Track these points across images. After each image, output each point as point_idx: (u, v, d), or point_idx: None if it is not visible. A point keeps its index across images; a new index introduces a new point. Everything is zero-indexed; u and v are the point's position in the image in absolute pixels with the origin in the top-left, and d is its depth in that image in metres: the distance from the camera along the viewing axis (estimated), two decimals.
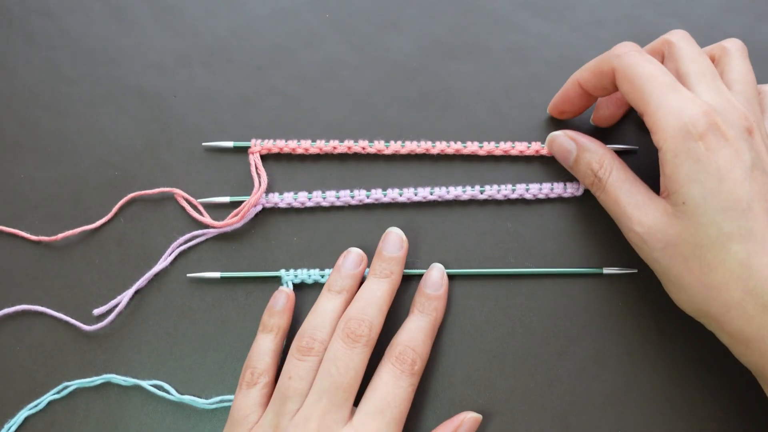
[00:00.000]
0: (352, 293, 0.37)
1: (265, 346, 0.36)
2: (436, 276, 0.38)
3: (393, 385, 0.34)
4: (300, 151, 0.40)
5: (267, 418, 0.34)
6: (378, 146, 0.40)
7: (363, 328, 0.34)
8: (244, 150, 0.41)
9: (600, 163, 0.37)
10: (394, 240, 0.38)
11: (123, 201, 0.39)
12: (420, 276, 0.39)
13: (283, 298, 0.37)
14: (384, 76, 0.42)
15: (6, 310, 0.39)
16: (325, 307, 0.36)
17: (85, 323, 0.39)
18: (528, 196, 0.40)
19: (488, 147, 0.40)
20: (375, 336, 0.35)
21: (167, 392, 0.38)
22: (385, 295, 0.36)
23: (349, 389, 0.33)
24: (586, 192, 0.40)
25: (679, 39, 0.35)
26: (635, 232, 0.34)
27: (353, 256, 0.38)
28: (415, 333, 0.36)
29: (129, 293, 0.39)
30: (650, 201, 0.34)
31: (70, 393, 0.38)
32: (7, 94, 0.42)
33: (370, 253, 0.40)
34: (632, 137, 0.41)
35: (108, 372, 0.38)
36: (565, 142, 0.38)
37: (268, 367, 0.36)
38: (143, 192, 0.40)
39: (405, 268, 0.39)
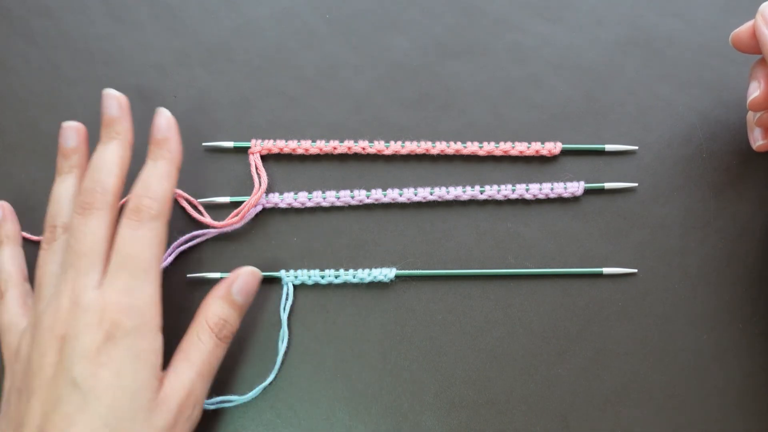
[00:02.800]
0: (82, 168, 0.37)
1: (65, 191, 0.36)
2: (160, 121, 0.36)
3: (130, 237, 0.33)
4: (300, 151, 0.40)
5: (29, 314, 0.34)
6: (378, 146, 0.40)
7: (95, 195, 0.34)
8: (244, 150, 0.41)
9: None
10: (110, 103, 0.36)
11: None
12: (420, 277, 0.39)
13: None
14: (384, 76, 0.42)
15: None
16: (57, 191, 0.36)
17: None
18: (528, 196, 0.40)
19: (488, 147, 0.40)
20: (111, 197, 0.34)
21: None
22: (114, 156, 0.35)
23: (92, 253, 0.33)
24: (586, 192, 0.40)
25: None
26: None
27: (66, 131, 0.37)
28: (147, 180, 0.35)
29: None
30: None
31: None
32: (7, 94, 0.42)
33: (369, 252, 0.40)
34: (632, 137, 0.41)
35: None
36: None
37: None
38: None
39: (403, 268, 0.39)
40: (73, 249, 0.33)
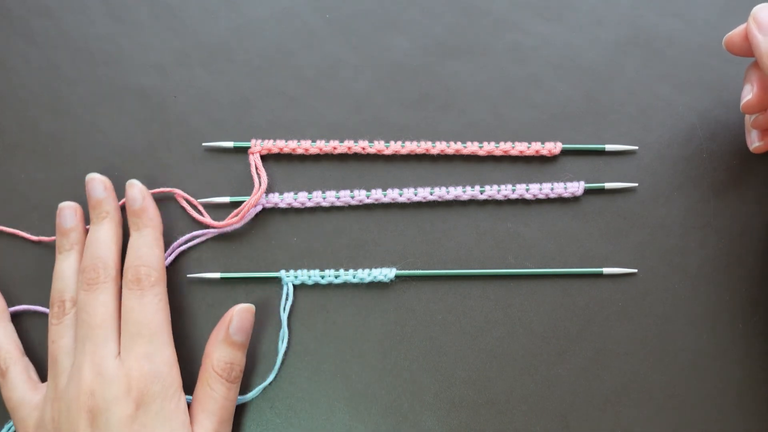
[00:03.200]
0: (81, 244, 0.38)
1: (68, 267, 0.37)
2: (134, 192, 0.38)
3: (138, 306, 0.35)
4: (300, 151, 0.40)
5: (49, 386, 0.35)
6: (378, 146, 0.40)
7: (97, 271, 0.35)
8: (244, 150, 0.41)
9: None
10: (94, 185, 0.38)
11: (122, 202, 0.39)
12: (420, 277, 0.39)
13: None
14: (384, 76, 0.42)
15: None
16: (61, 268, 0.37)
17: None
18: (528, 196, 0.40)
19: (488, 147, 0.40)
20: (113, 271, 0.36)
21: None
22: (108, 234, 0.37)
23: (104, 325, 0.34)
24: (586, 192, 0.40)
25: None
26: None
27: (65, 211, 0.38)
28: (139, 250, 0.36)
29: None
30: None
31: None
32: (7, 94, 0.42)
33: (369, 252, 0.40)
34: (632, 137, 0.41)
35: None
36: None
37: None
38: None
39: (403, 268, 0.39)
40: (86, 323, 0.35)
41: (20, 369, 0.36)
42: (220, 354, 0.36)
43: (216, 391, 0.35)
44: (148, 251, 0.36)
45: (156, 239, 0.37)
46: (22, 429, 0.35)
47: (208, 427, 0.34)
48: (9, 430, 0.38)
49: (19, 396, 0.35)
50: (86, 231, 0.38)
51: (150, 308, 0.35)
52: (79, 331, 0.35)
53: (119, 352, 0.34)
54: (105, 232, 0.37)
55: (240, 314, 0.36)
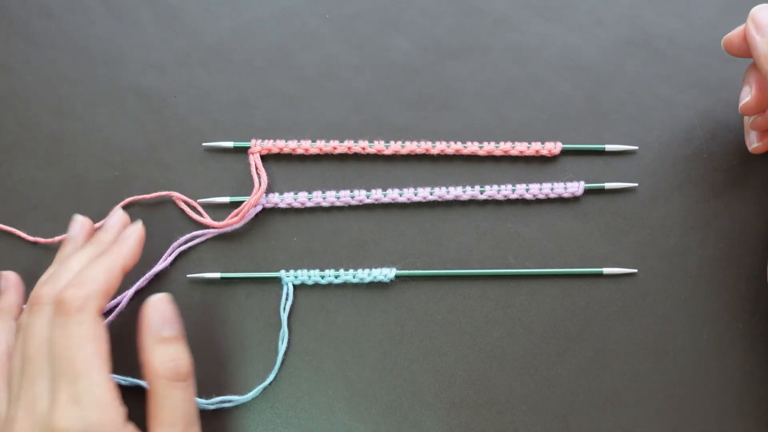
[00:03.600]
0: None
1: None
2: (112, 221, 0.37)
3: (61, 337, 0.30)
4: (300, 151, 0.40)
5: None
6: (378, 146, 0.40)
7: (43, 289, 0.32)
8: (244, 150, 0.41)
9: None
10: (73, 226, 0.37)
11: (122, 204, 0.39)
12: (420, 277, 0.39)
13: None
14: (384, 76, 0.42)
15: None
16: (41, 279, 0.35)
17: None
18: (528, 196, 0.40)
19: (488, 147, 0.40)
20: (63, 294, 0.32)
21: None
22: (77, 263, 0.34)
23: (38, 358, 0.31)
24: (586, 192, 0.40)
25: None
26: None
27: (73, 223, 0.37)
28: (83, 271, 0.33)
29: (129, 293, 0.39)
30: None
31: None
32: (7, 94, 0.42)
33: (369, 252, 0.40)
34: (632, 137, 0.41)
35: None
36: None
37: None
38: (141, 197, 0.40)
39: (403, 268, 0.39)
40: (23, 353, 0.31)
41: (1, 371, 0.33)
42: (158, 355, 0.32)
43: (170, 398, 0.31)
44: (92, 274, 0.32)
45: (110, 267, 0.33)
46: None
47: None
48: None
49: None
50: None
51: (74, 340, 0.30)
52: (19, 360, 0.31)
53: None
54: (74, 261, 0.34)
55: (155, 306, 0.33)
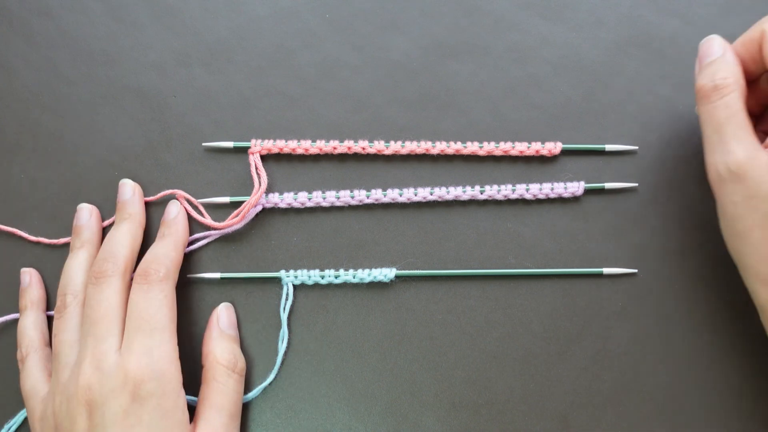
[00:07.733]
0: (94, 245, 0.39)
1: (76, 264, 0.38)
2: (171, 207, 0.39)
3: (143, 300, 0.35)
4: (300, 151, 0.40)
5: (52, 380, 0.35)
6: (378, 146, 0.40)
7: (106, 264, 0.36)
8: (244, 150, 0.41)
9: (726, 77, 0.34)
10: (124, 189, 0.39)
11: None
12: (420, 277, 0.39)
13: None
14: (384, 76, 0.42)
15: (5, 318, 0.39)
16: (68, 265, 0.38)
17: None
18: (528, 196, 0.40)
19: (488, 147, 0.40)
20: (121, 267, 0.36)
21: None
22: (126, 233, 0.38)
23: (107, 319, 0.34)
24: (586, 192, 0.40)
25: None
26: (724, 162, 0.33)
27: (81, 210, 0.39)
28: (156, 251, 0.37)
29: None
30: (752, 143, 0.33)
31: None
32: (7, 94, 0.42)
33: (369, 252, 0.40)
34: (632, 137, 0.41)
35: None
36: (715, 44, 0.36)
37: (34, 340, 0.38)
38: (147, 199, 0.40)
39: (403, 268, 0.39)
40: (89, 318, 0.35)
41: (38, 358, 0.37)
42: (222, 348, 0.37)
43: (225, 384, 0.35)
44: (164, 252, 0.37)
45: (175, 245, 0.38)
46: (30, 420, 0.36)
47: (218, 420, 0.35)
48: (9, 429, 0.38)
49: (31, 385, 0.36)
50: (102, 232, 0.39)
51: (154, 303, 0.35)
52: (83, 326, 0.35)
53: (121, 347, 0.34)
54: (122, 232, 0.38)
55: (226, 311, 0.38)
